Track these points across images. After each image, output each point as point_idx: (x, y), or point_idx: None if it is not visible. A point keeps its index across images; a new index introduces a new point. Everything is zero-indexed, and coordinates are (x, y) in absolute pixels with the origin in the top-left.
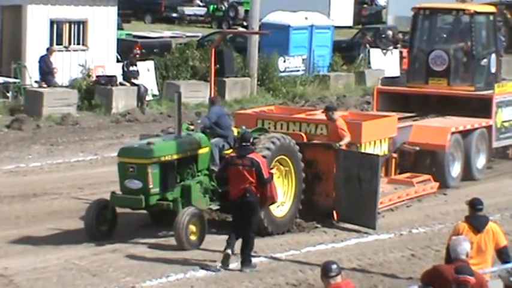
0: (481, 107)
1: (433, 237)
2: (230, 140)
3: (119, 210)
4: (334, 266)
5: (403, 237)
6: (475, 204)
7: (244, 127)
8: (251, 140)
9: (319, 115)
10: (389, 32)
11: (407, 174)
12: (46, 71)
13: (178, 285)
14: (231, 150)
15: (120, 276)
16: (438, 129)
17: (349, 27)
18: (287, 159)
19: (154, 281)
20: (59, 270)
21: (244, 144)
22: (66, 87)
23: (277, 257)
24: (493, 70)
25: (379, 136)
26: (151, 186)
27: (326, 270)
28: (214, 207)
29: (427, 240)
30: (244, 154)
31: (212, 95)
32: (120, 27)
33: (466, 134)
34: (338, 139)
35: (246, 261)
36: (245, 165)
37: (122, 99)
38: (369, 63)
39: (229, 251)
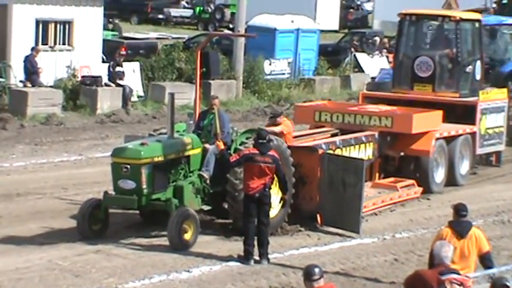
0: (466, 114)
1: (416, 242)
2: (228, 142)
3: None
4: (317, 270)
5: (386, 242)
6: (459, 210)
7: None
8: (267, 138)
9: (371, 108)
10: (377, 39)
11: (391, 179)
12: (31, 71)
13: (162, 287)
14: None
15: (103, 277)
16: (422, 135)
17: (335, 31)
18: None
19: (137, 282)
20: (41, 270)
21: (261, 141)
22: (51, 87)
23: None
24: (478, 77)
25: (426, 128)
26: (144, 186)
27: (309, 274)
28: (206, 208)
29: (410, 245)
30: (266, 152)
31: (198, 96)
32: (106, 28)
33: (450, 140)
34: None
35: (265, 254)
36: (267, 163)
37: (107, 100)
38: (355, 67)
39: (253, 251)
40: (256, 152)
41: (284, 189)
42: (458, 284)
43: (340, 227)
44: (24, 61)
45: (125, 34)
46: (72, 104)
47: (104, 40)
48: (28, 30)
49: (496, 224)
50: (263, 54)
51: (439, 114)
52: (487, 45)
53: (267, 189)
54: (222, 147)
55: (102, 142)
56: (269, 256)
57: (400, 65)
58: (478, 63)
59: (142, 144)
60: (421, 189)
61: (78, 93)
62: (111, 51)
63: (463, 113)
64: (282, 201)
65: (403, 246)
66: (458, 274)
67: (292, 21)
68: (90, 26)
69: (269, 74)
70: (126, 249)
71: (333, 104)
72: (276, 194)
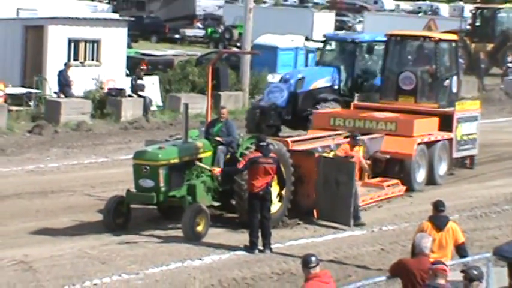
0: (444, 122)
1: (400, 234)
2: (234, 146)
3: None
4: (313, 258)
5: (374, 234)
6: (438, 206)
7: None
8: (266, 141)
9: (378, 115)
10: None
11: (379, 179)
12: (64, 83)
13: (177, 273)
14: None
15: (126, 264)
16: (406, 140)
17: None
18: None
19: (156, 269)
20: (72, 258)
21: (262, 144)
22: (81, 97)
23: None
24: (455, 90)
25: (424, 132)
26: (162, 185)
27: (306, 262)
28: (216, 204)
29: (395, 237)
30: (268, 154)
31: (209, 106)
32: (129, 46)
33: (430, 145)
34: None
35: (268, 244)
36: (269, 163)
37: (130, 109)
38: None
39: (257, 242)
40: (260, 154)
41: (282, 184)
42: (444, 273)
43: (334, 221)
44: (58, 75)
45: (146, 51)
46: (99, 112)
47: (127, 57)
48: (61, 48)
49: (470, 218)
50: (266, 69)
51: (435, 120)
52: (362, 60)
53: (269, 187)
54: (217, 171)
55: (126, 146)
56: (271, 246)
57: (387, 79)
58: (455, 78)
59: (160, 148)
60: (404, 187)
61: (105, 103)
62: (133, 67)
63: (442, 122)
64: (279, 196)
65: (389, 238)
66: (446, 266)
67: (292, 40)
68: (115, 44)
69: None
70: (146, 240)
71: (345, 111)
72: (275, 190)
